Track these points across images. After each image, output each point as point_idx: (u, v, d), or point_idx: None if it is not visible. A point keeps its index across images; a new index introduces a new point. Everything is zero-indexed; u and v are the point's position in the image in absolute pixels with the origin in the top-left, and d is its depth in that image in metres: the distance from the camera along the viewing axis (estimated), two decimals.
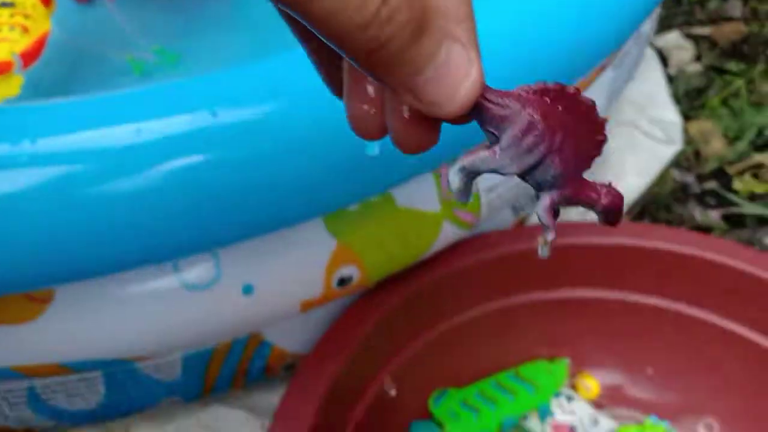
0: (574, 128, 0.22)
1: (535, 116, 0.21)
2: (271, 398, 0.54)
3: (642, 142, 0.72)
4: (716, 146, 0.77)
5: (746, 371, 0.53)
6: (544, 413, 0.54)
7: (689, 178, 0.75)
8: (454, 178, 0.21)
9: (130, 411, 0.47)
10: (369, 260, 0.43)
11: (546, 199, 0.22)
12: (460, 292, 0.52)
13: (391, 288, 0.48)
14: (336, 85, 0.24)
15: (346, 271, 0.42)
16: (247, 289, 0.38)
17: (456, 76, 0.20)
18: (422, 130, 0.21)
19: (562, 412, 0.55)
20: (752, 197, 0.72)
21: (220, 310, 0.38)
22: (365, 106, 0.22)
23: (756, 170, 0.74)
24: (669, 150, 0.73)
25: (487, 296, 0.54)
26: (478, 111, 0.20)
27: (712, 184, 0.74)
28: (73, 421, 0.46)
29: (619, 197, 0.24)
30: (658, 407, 0.57)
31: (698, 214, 0.71)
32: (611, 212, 0.23)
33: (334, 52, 0.23)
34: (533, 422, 0.55)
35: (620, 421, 0.57)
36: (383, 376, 0.50)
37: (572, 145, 0.22)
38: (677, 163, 0.75)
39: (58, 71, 0.58)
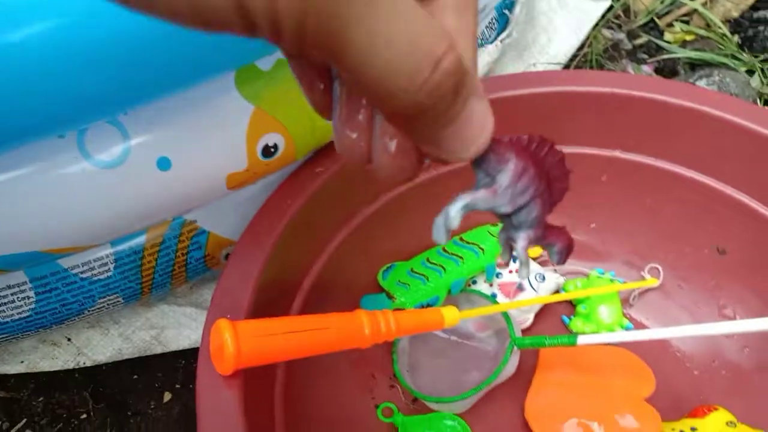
0: (549, 175, 0.24)
1: (528, 162, 0.23)
2: None
3: (571, 1, 0.71)
4: (646, 0, 0.76)
5: (685, 211, 0.54)
6: (491, 274, 0.54)
7: (620, 35, 0.74)
8: (457, 216, 0.22)
9: (68, 316, 0.46)
10: (292, 127, 0.41)
11: (525, 240, 0.25)
12: None
13: (322, 161, 0.47)
14: (320, 105, 0.24)
15: (270, 139, 0.41)
16: (163, 163, 0.36)
17: (476, 128, 0.20)
18: (407, 163, 0.22)
19: (509, 272, 0.55)
20: (684, 45, 0.71)
21: (137, 187, 0.36)
22: (354, 135, 0.23)
23: (686, 17, 0.74)
24: (598, 6, 0.72)
25: None
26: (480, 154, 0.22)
27: (643, 39, 0.73)
28: (8, 332, 0.44)
29: (571, 240, 0.28)
30: (603, 259, 0.58)
31: (631, 69, 0.71)
32: (566, 252, 0.28)
33: (322, 74, 0.22)
34: (481, 284, 0.55)
35: (566, 276, 0.58)
36: (328, 250, 0.49)
37: (548, 190, 0.24)
38: (607, 22, 0.74)
39: None
